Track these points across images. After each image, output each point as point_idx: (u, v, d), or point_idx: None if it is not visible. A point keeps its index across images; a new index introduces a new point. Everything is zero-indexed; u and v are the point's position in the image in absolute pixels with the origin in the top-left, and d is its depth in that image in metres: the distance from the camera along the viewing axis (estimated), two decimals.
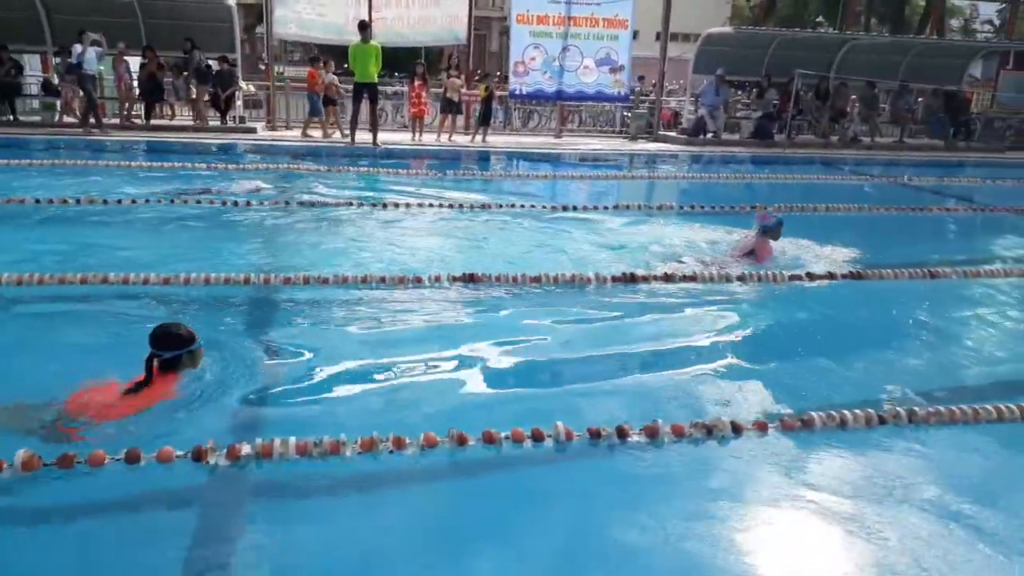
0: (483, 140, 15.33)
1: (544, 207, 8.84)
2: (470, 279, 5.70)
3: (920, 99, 19.06)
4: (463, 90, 15.59)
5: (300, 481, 3.12)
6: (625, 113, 18.33)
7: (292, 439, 3.20)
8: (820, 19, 35.24)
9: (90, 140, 12.94)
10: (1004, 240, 9.06)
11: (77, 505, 2.94)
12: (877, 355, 4.96)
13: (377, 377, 4.20)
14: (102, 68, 14.37)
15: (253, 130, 15.04)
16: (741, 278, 6.06)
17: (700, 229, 7.96)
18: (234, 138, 14.07)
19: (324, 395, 3.94)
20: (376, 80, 13.52)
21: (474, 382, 4.25)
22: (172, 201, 8.14)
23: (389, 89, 18.49)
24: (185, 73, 14.92)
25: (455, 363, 4.43)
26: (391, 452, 3.23)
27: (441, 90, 15.41)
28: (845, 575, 2.73)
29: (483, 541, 2.87)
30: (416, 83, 15.09)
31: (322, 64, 15.15)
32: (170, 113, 16.10)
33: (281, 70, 20.64)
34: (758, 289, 5.99)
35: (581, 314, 5.33)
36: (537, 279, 5.77)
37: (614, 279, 5.89)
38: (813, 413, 3.68)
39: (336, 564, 2.71)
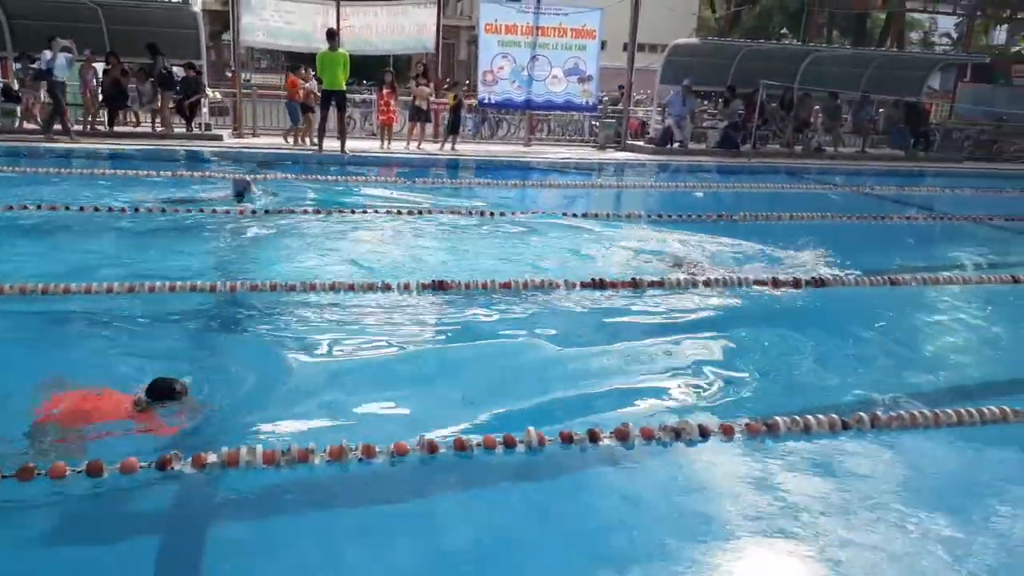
0: (452, 148, 15.33)
1: (513, 214, 8.86)
2: (440, 286, 5.69)
3: (881, 110, 19.48)
4: (432, 98, 15.58)
5: (268, 491, 3.08)
6: (593, 122, 18.47)
7: (259, 447, 3.16)
8: (784, 31, 35.83)
9: (52, 147, 12.69)
10: (962, 248, 9.28)
11: (37, 519, 2.88)
12: (840, 361, 5.05)
13: (346, 385, 4.18)
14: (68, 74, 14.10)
15: (219, 137, 14.88)
16: (707, 283, 6.14)
17: (668, 236, 8.03)
18: (200, 145, 13.91)
19: (292, 403, 3.90)
20: (344, 88, 13.48)
21: (444, 389, 4.25)
22: (136, 209, 8.01)
23: (357, 97, 18.43)
24: (152, 79, 14.72)
25: (425, 370, 4.43)
26: (360, 461, 3.21)
27: (410, 98, 15.40)
28: None
29: (456, 549, 2.86)
30: (385, 91, 15.04)
31: (303, 71, 15.06)
32: (134, 120, 15.87)
33: (248, 77, 20.46)
34: (725, 295, 6.06)
35: (551, 320, 5.35)
36: (507, 285, 5.78)
37: (583, 285, 5.93)
38: (778, 418, 3.74)
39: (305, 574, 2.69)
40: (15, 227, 7.30)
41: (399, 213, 8.58)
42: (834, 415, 3.81)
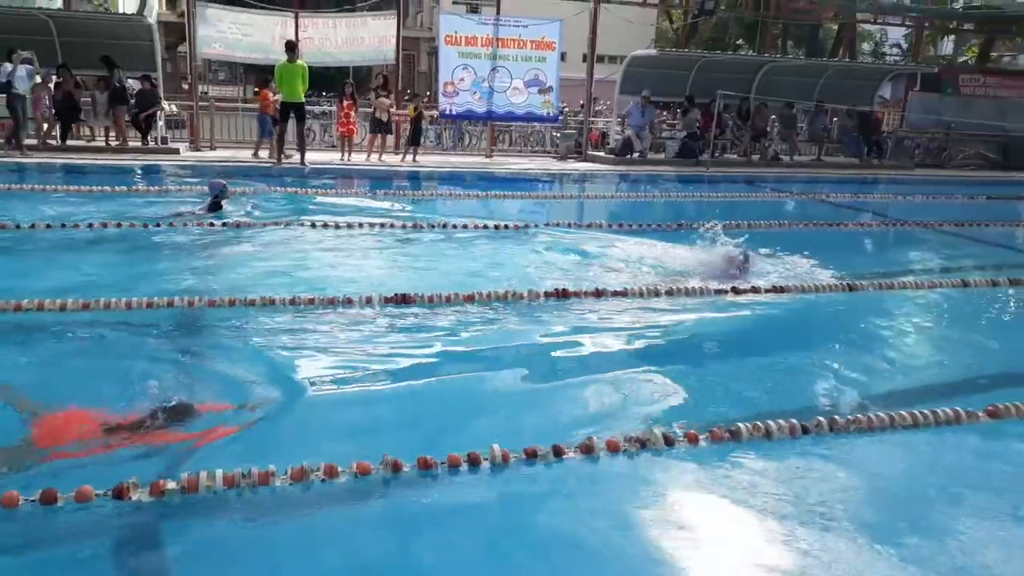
0: (413, 160, 15.29)
1: (475, 226, 8.84)
2: (402, 299, 5.65)
3: (835, 119, 19.89)
4: (392, 110, 15.53)
5: (230, 514, 3.02)
6: (555, 133, 18.57)
7: (219, 471, 3.09)
8: (740, 42, 36.45)
9: (4, 162, 12.36)
10: (915, 253, 9.51)
11: None
12: (800, 366, 5.13)
13: (307, 403, 4.11)
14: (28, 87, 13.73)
15: (176, 151, 14.63)
16: (669, 292, 6.20)
17: (631, 245, 8.09)
18: (156, 159, 13.66)
19: (251, 423, 3.82)
20: (303, 99, 13.38)
21: (407, 405, 4.21)
22: (91, 225, 7.84)
23: (317, 109, 18.29)
24: (108, 91, 14.42)
25: (387, 387, 4.38)
26: (323, 481, 3.16)
27: (371, 110, 15.32)
28: None
29: (423, 569, 2.83)
30: (345, 102, 14.96)
31: (273, 84, 14.83)
32: (88, 134, 15.53)
33: (205, 90, 20.19)
34: (686, 304, 6.12)
35: (515, 331, 5.34)
36: (471, 297, 5.76)
37: (546, 295, 5.94)
38: (740, 424, 3.78)
39: None
40: None
41: (361, 225, 8.50)
42: (794, 420, 3.86)
